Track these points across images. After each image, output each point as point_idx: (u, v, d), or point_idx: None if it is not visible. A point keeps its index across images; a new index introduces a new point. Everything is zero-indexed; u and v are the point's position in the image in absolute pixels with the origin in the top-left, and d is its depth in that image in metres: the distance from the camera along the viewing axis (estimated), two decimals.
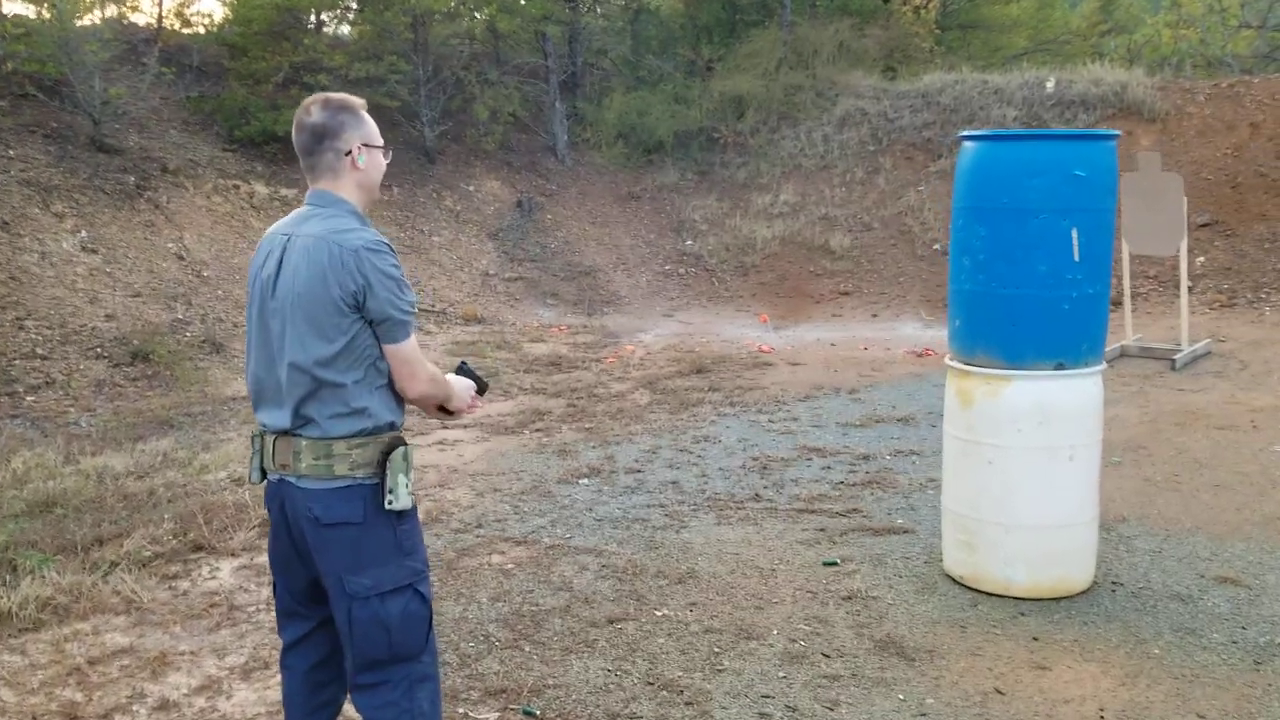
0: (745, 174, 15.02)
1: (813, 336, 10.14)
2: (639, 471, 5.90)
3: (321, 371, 2.39)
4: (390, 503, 2.48)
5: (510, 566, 4.53)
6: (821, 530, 4.91)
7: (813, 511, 5.19)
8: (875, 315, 11.16)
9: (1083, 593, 4.16)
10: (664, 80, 16.84)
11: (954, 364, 4.22)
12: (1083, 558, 4.18)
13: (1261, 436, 6.28)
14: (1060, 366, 3.99)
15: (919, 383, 7.91)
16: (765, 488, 5.59)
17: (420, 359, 2.50)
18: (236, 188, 11.92)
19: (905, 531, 4.90)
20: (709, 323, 11.20)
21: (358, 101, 2.55)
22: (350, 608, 2.45)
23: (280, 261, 2.45)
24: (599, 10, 18.91)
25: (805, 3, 17.99)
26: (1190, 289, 9.65)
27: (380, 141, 2.58)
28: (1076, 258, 3.92)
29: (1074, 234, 3.90)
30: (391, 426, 2.52)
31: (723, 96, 15.93)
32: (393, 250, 2.45)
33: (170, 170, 11.66)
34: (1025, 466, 4.04)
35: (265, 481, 2.56)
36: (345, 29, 15.65)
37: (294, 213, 2.56)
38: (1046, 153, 3.92)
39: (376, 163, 2.56)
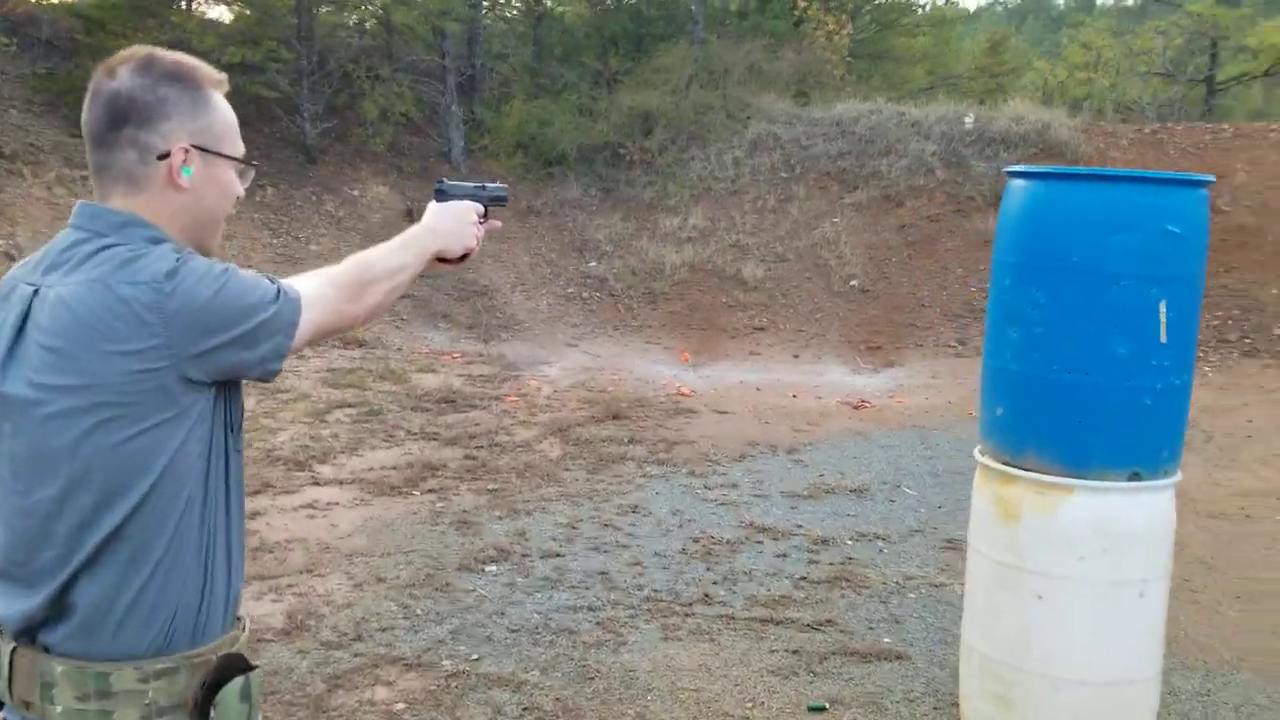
0: (652, 194, 14.10)
1: (734, 378, 9.22)
2: (558, 556, 4.83)
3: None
4: None
5: (400, 707, 3.42)
6: (795, 653, 3.93)
7: (778, 622, 4.21)
8: (797, 356, 10.32)
9: None
10: (568, 89, 15.82)
11: (991, 463, 3.27)
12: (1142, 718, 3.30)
13: (1259, 528, 5.58)
14: (1135, 476, 3.09)
15: (863, 443, 7.04)
16: (714, 583, 4.59)
17: (323, 296, 1.51)
18: (84, 179, 10.39)
19: (898, 657, 3.95)
20: (619, 356, 10.18)
21: (207, 72, 1.48)
22: None
23: (19, 329, 1.40)
24: (499, 12, 17.79)
25: (716, 20, 17.21)
26: None
27: (236, 149, 1.51)
28: (1164, 338, 3.03)
29: (1162, 307, 3.02)
30: (221, 628, 1.46)
31: (630, 111, 14.99)
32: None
33: (6, 155, 10.12)
34: (1086, 606, 3.12)
35: None
36: (222, 9, 14.21)
37: (54, 239, 1.48)
38: (1134, 200, 3.02)
39: (220, 183, 1.50)
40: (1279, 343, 10.13)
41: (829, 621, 4.23)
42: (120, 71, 1.42)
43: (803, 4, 16.68)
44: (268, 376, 1.45)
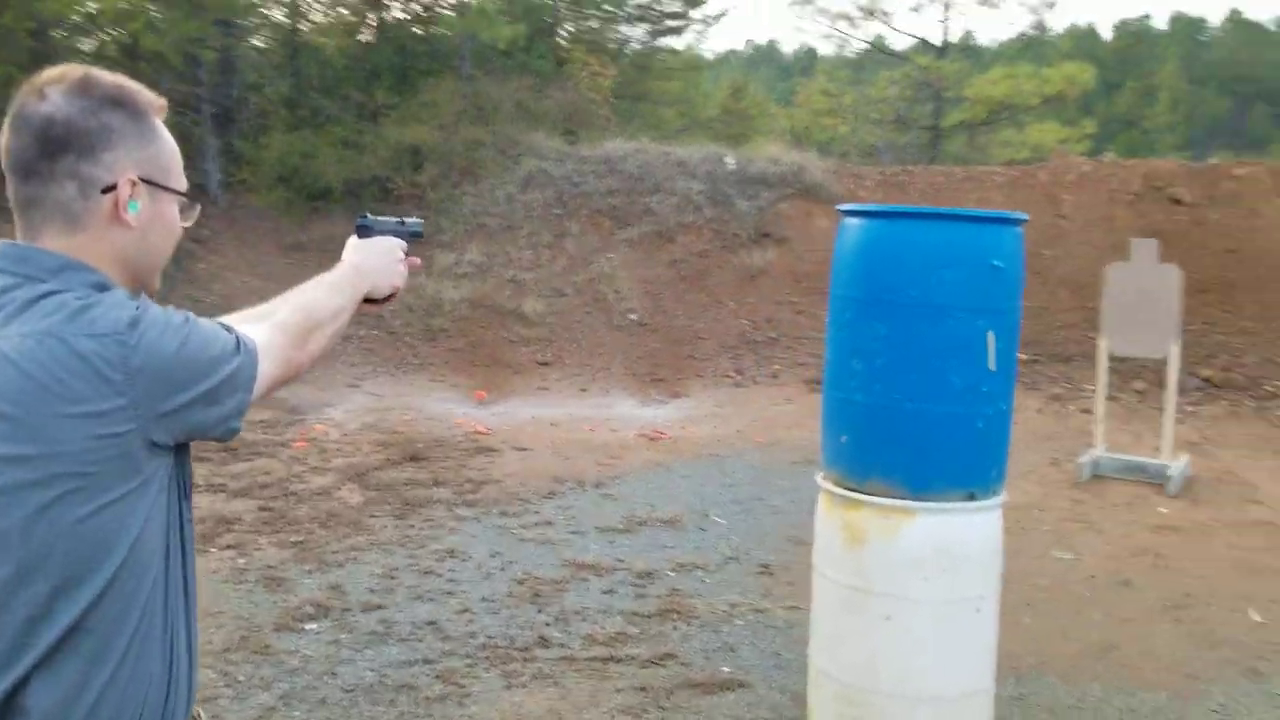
0: (425, 229, 13.84)
1: (527, 414, 9.15)
2: (381, 607, 4.62)
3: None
4: None
5: None
6: (641, 690, 3.92)
7: (619, 660, 4.19)
8: (584, 390, 10.37)
9: None
10: (331, 122, 15.33)
11: (836, 489, 3.40)
12: None
13: (1030, 540, 6.05)
14: (971, 497, 3.30)
15: (665, 474, 7.15)
16: (548, 625, 4.52)
17: (273, 345, 1.39)
18: None
19: (740, 685, 4.02)
20: (404, 395, 9.88)
21: (149, 96, 1.34)
22: None
23: None
24: (253, 40, 17.04)
25: (483, 57, 17.18)
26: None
27: (182, 182, 1.38)
28: (993, 366, 3.25)
29: (990, 337, 3.24)
30: None
31: (398, 145, 14.70)
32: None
33: None
34: (931, 625, 3.28)
35: None
36: None
37: None
38: (963, 237, 3.24)
39: (165, 219, 1.37)
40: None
41: (668, 655, 4.25)
42: (51, 93, 1.26)
43: (567, 45, 16.93)
44: (228, 436, 1.32)
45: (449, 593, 4.83)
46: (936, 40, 19.79)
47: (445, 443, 7.74)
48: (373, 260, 1.64)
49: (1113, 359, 7.99)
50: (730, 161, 14.11)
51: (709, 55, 23.95)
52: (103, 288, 1.26)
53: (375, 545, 5.43)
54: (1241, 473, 7.91)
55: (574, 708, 3.76)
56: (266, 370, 1.34)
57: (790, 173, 14.27)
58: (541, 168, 14.70)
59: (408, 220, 1.81)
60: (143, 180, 1.31)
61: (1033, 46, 24.54)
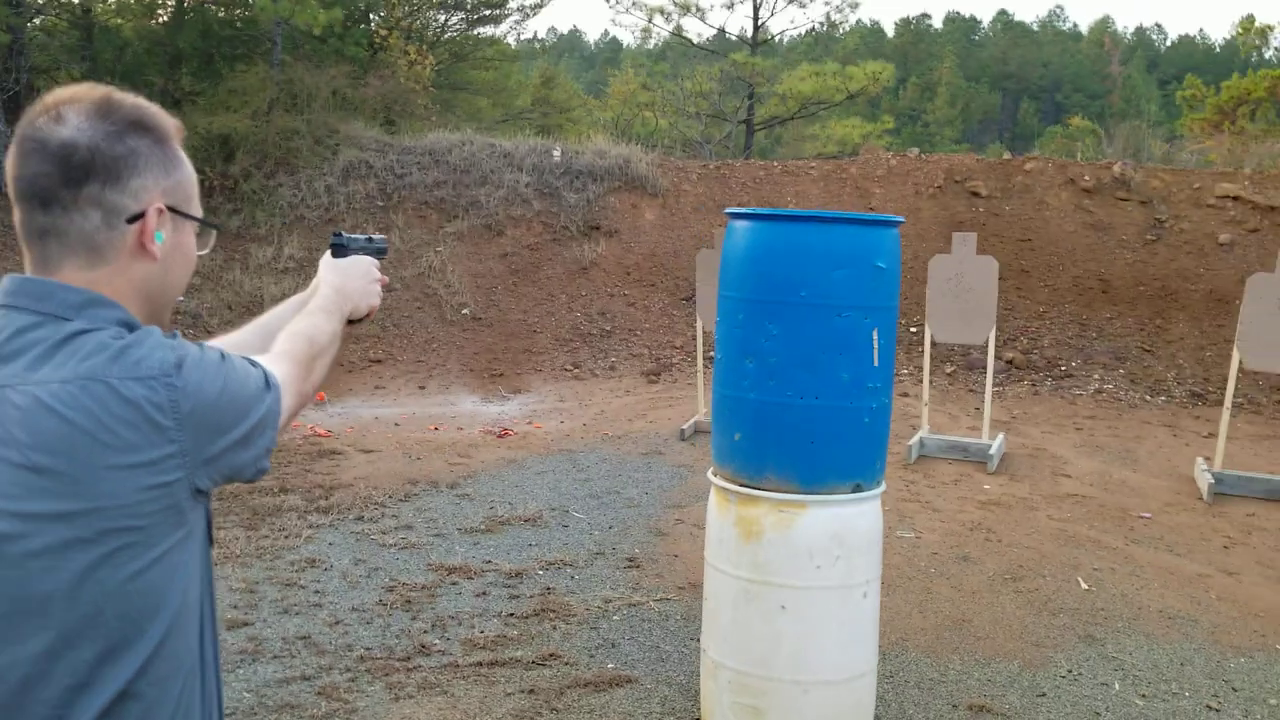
0: (239, 223, 13.27)
1: (367, 414, 8.92)
2: (247, 624, 4.42)
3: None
4: None
5: None
6: (530, 693, 3.91)
7: (503, 664, 4.16)
8: (423, 387, 10.18)
9: None
10: None
11: (731, 486, 3.49)
12: (870, 713, 3.65)
13: None
14: (858, 488, 3.44)
15: (519, 471, 7.11)
16: (425, 632, 4.44)
17: (287, 378, 1.33)
18: None
19: (627, 681, 4.07)
20: None
21: (170, 119, 1.25)
22: None
23: None
24: (40, 20, 15.84)
25: (294, 43, 16.55)
26: None
27: (199, 209, 1.30)
28: (877, 362, 3.41)
29: (874, 335, 3.39)
30: None
31: (207, 134, 13.98)
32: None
33: None
34: (825, 611, 3.42)
35: None
36: None
37: None
38: (851, 239, 3.37)
39: (184, 249, 1.29)
40: None
41: (552, 655, 4.25)
42: (69, 116, 1.17)
43: (383, 32, 16.49)
44: (258, 476, 1.25)
45: (317, 605, 4.68)
46: (747, 36, 20.30)
47: (285, 446, 7.44)
48: (353, 282, 1.60)
49: (931, 344, 8.46)
50: (557, 154, 14.11)
51: (519, 44, 23.77)
52: (130, 326, 1.18)
53: (229, 558, 5.19)
54: (1050, 448, 8.52)
55: (466, 715, 3.72)
56: (286, 405, 1.29)
57: (617, 165, 14.39)
58: (362, 158, 14.32)
59: (375, 237, 1.75)
60: (168, 207, 1.23)
61: (822, 42, 25.54)
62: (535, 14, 20.06)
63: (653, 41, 23.78)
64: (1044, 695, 4.16)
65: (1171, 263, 12.72)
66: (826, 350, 3.31)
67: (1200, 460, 7.76)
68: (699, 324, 8.62)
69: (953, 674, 4.33)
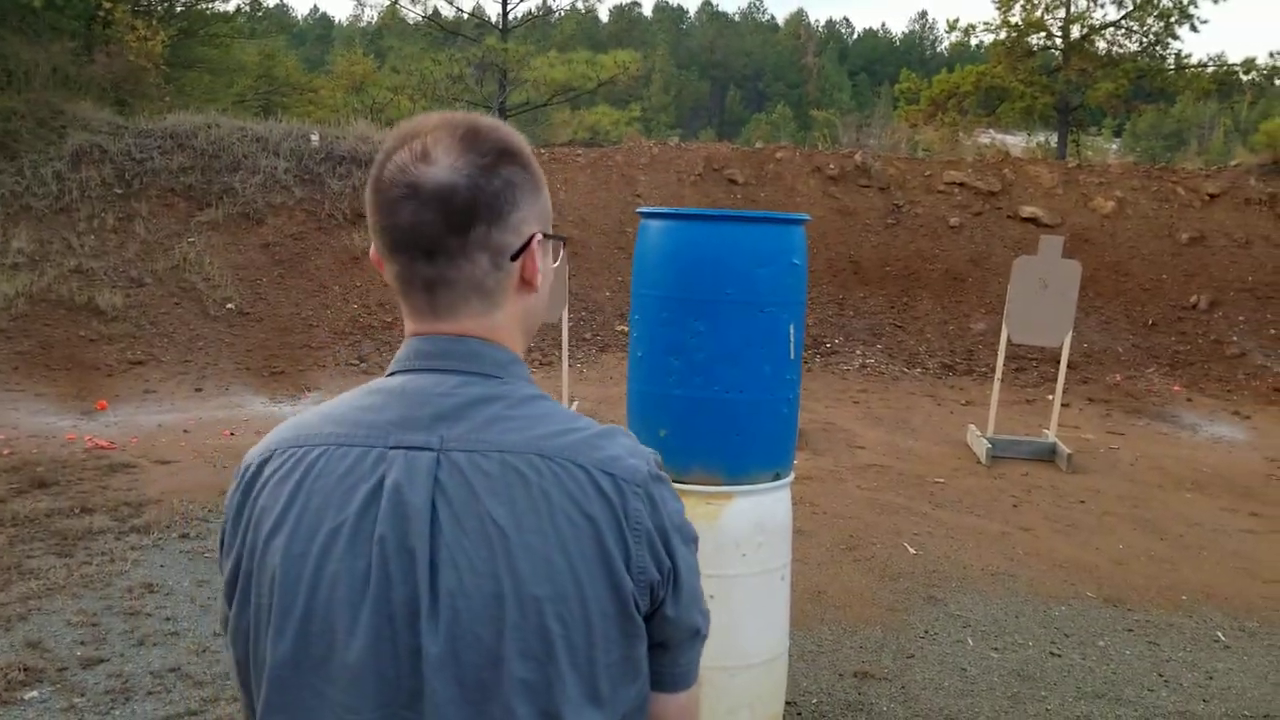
0: None
1: (148, 421, 8.21)
2: (104, 661, 4.02)
3: None
4: None
5: None
6: None
7: None
8: (199, 389, 9.47)
9: None
10: None
11: None
12: (783, 690, 3.80)
13: None
14: (777, 476, 3.57)
15: None
16: None
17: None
18: None
19: None
20: None
21: (522, 139, 1.15)
22: None
23: (432, 534, 1.01)
24: None
25: (3, 14, 14.88)
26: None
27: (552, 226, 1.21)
28: (793, 355, 3.54)
29: (791, 329, 3.52)
30: None
31: None
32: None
33: None
34: (748, 597, 3.53)
35: None
36: None
37: (387, 385, 1.10)
38: (772, 237, 3.47)
39: (549, 273, 1.19)
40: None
41: None
42: (438, 154, 1.06)
43: (108, 5, 15.12)
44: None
45: (173, 633, 4.31)
46: (489, 19, 20.13)
47: (68, 463, 6.76)
48: None
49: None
50: (315, 139, 13.48)
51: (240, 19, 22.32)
52: (534, 388, 1.13)
53: (53, 590, 4.68)
54: (838, 422, 9.09)
55: None
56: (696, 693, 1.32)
57: (378, 151, 13.93)
58: (94, 142, 13.12)
59: None
60: (544, 235, 1.15)
61: (539, 28, 25.78)
62: None
63: (365, 20, 22.91)
64: (912, 657, 4.48)
65: (911, 244, 13.80)
66: (751, 345, 3.41)
67: (972, 427, 8.52)
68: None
69: (828, 644, 4.57)
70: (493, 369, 1.09)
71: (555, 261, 1.23)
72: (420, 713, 1.00)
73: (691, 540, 1.16)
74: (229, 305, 11.32)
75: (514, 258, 1.11)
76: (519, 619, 1.00)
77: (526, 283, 1.13)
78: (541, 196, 1.15)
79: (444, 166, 1.06)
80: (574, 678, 1.02)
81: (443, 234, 1.06)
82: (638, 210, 3.67)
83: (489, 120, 1.13)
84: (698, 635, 1.18)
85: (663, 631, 1.13)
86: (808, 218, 3.67)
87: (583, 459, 1.05)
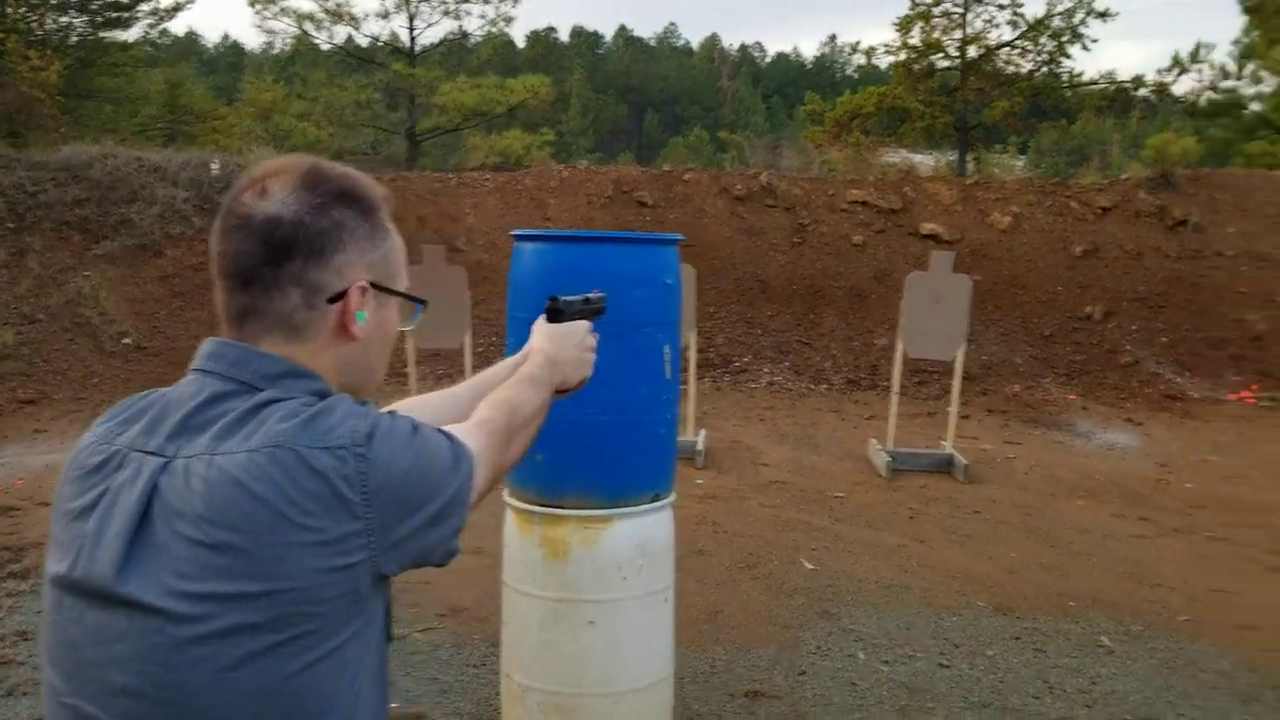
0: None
1: (37, 462, 7.92)
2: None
3: None
4: None
5: None
6: None
7: None
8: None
9: None
10: None
11: (533, 508, 3.50)
12: (669, 713, 3.78)
13: None
14: (657, 497, 3.57)
15: None
16: None
17: (483, 451, 1.24)
18: None
19: (416, 718, 3.97)
20: None
21: (379, 189, 1.19)
22: None
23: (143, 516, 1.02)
24: None
25: None
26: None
27: (403, 281, 1.22)
28: (668, 375, 3.55)
29: (666, 350, 3.54)
30: None
31: None
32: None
33: None
34: (631, 620, 3.51)
35: None
36: None
37: (156, 395, 1.15)
38: (645, 258, 3.49)
39: (387, 327, 1.20)
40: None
41: None
42: (274, 189, 1.09)
43: None
44: (448, 559, 1.17)
45: None
46: (403, 45, 20.03)
47: None
48: (568, 351, 1.53)
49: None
50: (215, 167, 13.24)
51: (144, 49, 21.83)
52: (325, 395, 1.09)
53: None
54: (743, 440, 9.15)
55: None
56: (480, 480, 1.20)
57: None
58: None
59: (592, 296, 1.65)
60: (372, 285, 1.13)
61: (455, 53, 25.82)
62: (171, 17, 18.59)
63: (277, 48, 22.62)
64: (804, 674, 4.51)
65: (816, 263, 14.00)
66: (627, 367, 3.41)
67: (873, 441, 8.64)
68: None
69: (721, 664, 4.58)
70: (255, 378, 1.09)
71: (409, 325, 1.23)
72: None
73: (406, 445, 1.10)
74: (125, 340, 11.03)
75: (332, 300, 1.11)
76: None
77: (344, 329, 1.13)
78: (382, 248, 1.16)
79: (276, 201, 1.09)
80: None
81: (259, 264, 1.09)
82: (511, 233, 3.66)
83: (342, 168, 1.15)
84: (452, 494, 1.14)
85: (425, 540, 1.12)
86: (681, 237, 3.70)
87: (294, 443, 1.03)
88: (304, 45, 20.22)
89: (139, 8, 17.32)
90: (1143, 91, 20.20)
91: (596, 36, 77.30)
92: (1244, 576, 5.90)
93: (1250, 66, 20.04)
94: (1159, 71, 25.25)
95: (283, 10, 18.39)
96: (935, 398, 10.96)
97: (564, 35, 74.71)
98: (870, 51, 22.05)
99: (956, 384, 8.31)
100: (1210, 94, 20.51)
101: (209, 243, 1.15)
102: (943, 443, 8.52)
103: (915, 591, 5.51)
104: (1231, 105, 20.55)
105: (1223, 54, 40.78)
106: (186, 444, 1.05)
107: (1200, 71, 20.37)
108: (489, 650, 4.53)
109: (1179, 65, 19.94)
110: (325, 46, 19.70)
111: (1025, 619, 5.17)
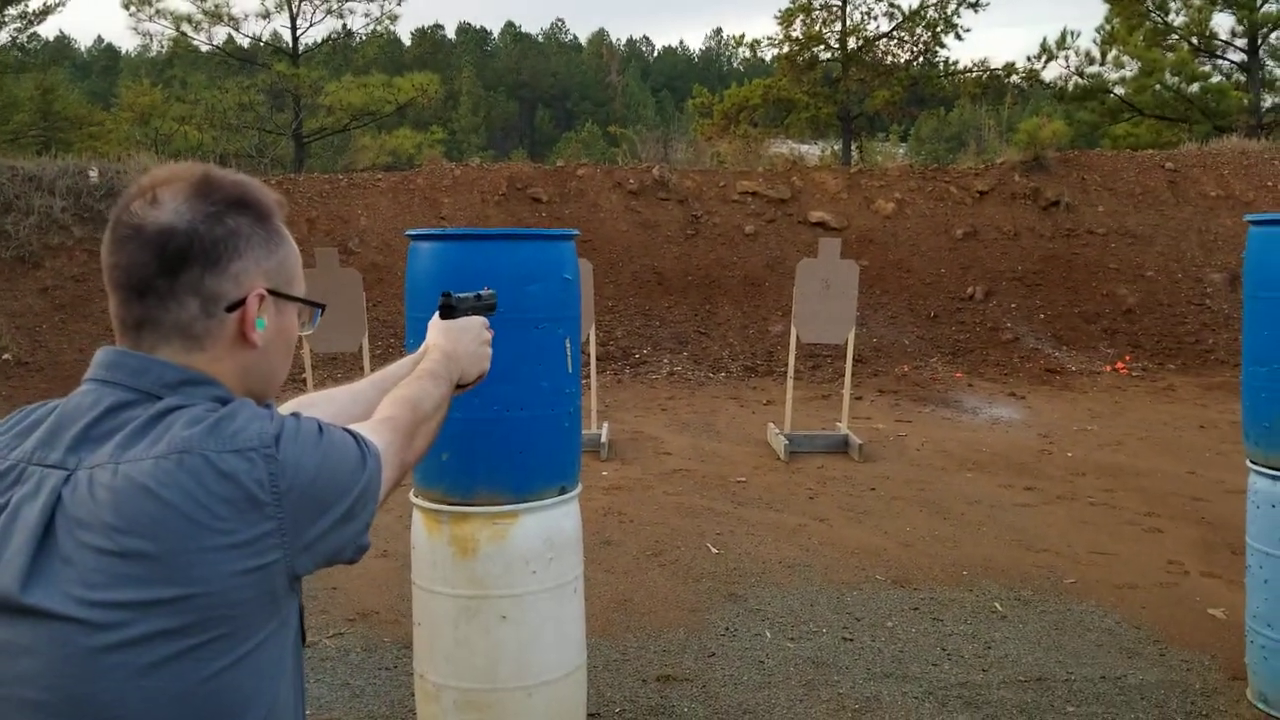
0: None
1: None
2: None
3: None
4: None
5: None
6: None
7: None
8: None
9: None
10: None
11: (441, 507, 3.52)
12: (584, 703, 3.85)
13: None
14: (563, 490, 3.64)
15: None
16: None
17: (388, 447, 1.26)
18: None
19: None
20: None
21: (271, 194, 1.19)
22: None
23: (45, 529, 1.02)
24: None
25: None
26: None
27: (301, 286, 1.23)
28: (570, 369, 3.62)
29: (567, 344, 3.60)
30: None
31: None
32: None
33: None
34: (543, 613, 3.57)
35: None
36: None
37: (51, 406, 1.13)
38: (542, 253, 3.54)
39: (286, 333, 1.22)
40: None
41: None
42: (165, 198, 1.09)
43: None
44: (358, 556, 1.18)
45: None
46: (285, 45, 19.62)
47: None
48: (463, 345, 1.54)
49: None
50: (94, 175, 12.82)
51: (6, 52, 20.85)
52: (227, 401, 1.10)
53: None
54: (646, 430, 9.26)
55: None
56: (386, 476, 1.22)
57: None
58: None
59: (483, 293, 1.66)
60: (270, 292, 1.15)
61: (340, 53, 25.42)
62: (41, 20, 17.81)
63: (154, 51, 21.89)
64: (714, 655, 4.62)
65: (710, 253, 14.20)
66: (527, 362, 3.46)
67: (771, 426, 8.83)
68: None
69: (632, 651, 4.66)
70: (155, 386, 1.09)
71: (307, 330, 1.25)
72: None
73: (314, 446, 1.11)
74: (5, 356, 10.63)
75: (231, 309, 1.12)
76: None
77: (244, 337, 1.14)
78: (278, 254, 1.17)
79: (169, 210, 1.09)
80: None
81: (154, 275, 1.09)
82: (406, 233, 3.68)
83: (234, 175, 1.16)
84: (360, 491, 1.15)
85: (337, 538, 1.13)
86: (577, 232, 3.77)
87: (202, 448, 1.03)
88: (182, 47, 19.65)
89: (6, 11, 16.61)
90: (1014, 78, 20.93)
91: (484, 33, 76.54)
92: (1123, 538, 6.22)
93: (1113, 52, 20.92)
94: (1029, 59, 26.18)
95: (158, 12, 17.86)
96: (829, 381, 11.24)
97: (451, 32, 73.77)
98: (755, 44, 22.40)
99: (849, 366, 8.55)
100: (1077, 79, 21.35)
101: (100, 253, 1.15)
102: (838, 424, 8.76)
103: (817, 569, 5.68)
104: (1097, 89, 21.42)
105: (1088, 40, 42.47)
106: (88, 455, 1.04)
107: (1067, 58, 21.19)
108: (401, 653, 4.53)
109: (1047, 52, 20.71)
110: (204, 48, 19.21)
111: (922, 590, 5.38)
